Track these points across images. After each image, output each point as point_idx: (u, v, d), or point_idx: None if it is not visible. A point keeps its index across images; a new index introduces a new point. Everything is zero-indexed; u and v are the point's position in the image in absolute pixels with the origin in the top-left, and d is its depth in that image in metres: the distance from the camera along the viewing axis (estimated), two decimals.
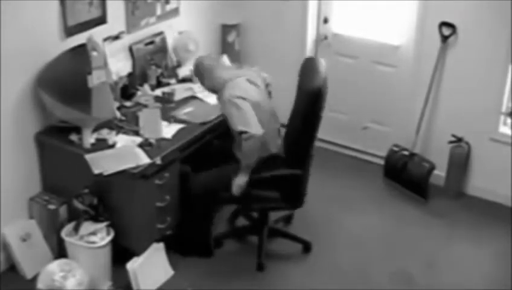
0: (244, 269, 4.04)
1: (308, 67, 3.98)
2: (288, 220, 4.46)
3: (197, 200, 3.93)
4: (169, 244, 4.01)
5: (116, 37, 4.29)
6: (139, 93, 4.41)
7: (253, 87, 3.92)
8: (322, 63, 3.92)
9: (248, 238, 4.32)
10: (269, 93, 4.17)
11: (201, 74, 4.01)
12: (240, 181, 3.79)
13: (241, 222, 4.45)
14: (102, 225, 3.75)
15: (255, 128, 3.69)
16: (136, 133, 3.98)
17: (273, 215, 4.29)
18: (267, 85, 4.13)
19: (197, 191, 3.91)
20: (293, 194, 3.96)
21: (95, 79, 3.66)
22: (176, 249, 4.07)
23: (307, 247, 4.23)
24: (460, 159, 4.76)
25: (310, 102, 3.76)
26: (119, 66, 4.31)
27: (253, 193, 3.90)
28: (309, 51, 5.23)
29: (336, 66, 5.26)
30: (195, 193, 3.93)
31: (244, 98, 3.77)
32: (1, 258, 3.89)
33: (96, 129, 3.91)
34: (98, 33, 4.02)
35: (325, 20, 5.19)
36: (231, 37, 5.28)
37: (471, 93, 4.64)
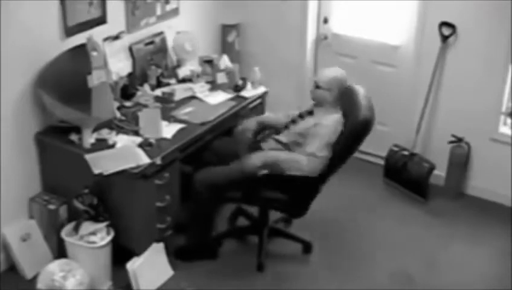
0: (244, 269, 4.04)
1: (352, 96, 3.93)
2: (288, 220, 4.46)
3: (201, 197, 3.88)
4: (174, 253, 4.03)
5: (116, 37, 4.29)
6: (139, 93, 4.41)
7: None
8: (363, 93, 3.94)
9: (248, 238, 4.32)
10: None
11: (334, 86, 3.89)
12: (256, 161, 3.74)
13: (241, 221, 4.45)
14: (102, 225, 3.75)
15: (319, 165, 3.74)
16: (136, 133, 3.98)
17: (274, 215, 4.29)
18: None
19: (202, 187, 3.85)
20: (300, 202, 3.94)
21: (95, 79, 3.66)
22: (180, 256, 4.04)
23: (307, 247, 4.23)
24: (460, 159, 4.76)
25: (355, 133, 3.77)
26: (119, 66, 4.31)
27: (261, 193, 3.90)
28: (309, 51, 5.23)
29: (336, 66, 5.25)
30: (199, 188, 3.86)
31: (331, 145, 3.79)
32: (1, 258, 3.89)
33: (96, 129, 3.91)
34: (98, 33, 4.02)
35: (325, 20, 5.19)
36: (231, 37, 5.28)
37: (471, 93, 4.64)
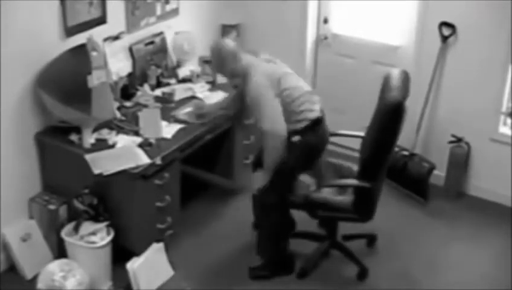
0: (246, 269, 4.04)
1: (392, 78, 3.79)
2: (371, 243, 4.31)
3: (271, 210, 3.80)
4: (249, 274, 3.96)
5: (116, 37, 4.30)
6: (139, 93, 4.41)
7: (273, 65, 3.84)
8: (408, 76, 3.78)
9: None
10: None
11: (223, 58, 3.76)
12: (260, 180, 3.73)
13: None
14: (102, 225, 3.75)
15: (281, 127, 3.61)
16: (136, 133, 3.99)
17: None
18: None
19: (270, 200, 3.77)
20: (363, 206, 3.81)
21: (95, 79, 3.66)
22: (256, 276, 3.96)
23: (362, 272, 4.01)
24: (460, 159, 4.76)
25: (387, 116, 3.62)
26: (119, 66, 4.31)
27: (321, 200, 3.84)
28: (309, 51, 5.23)
29: (336, 66, 5.27)
30: (267, 202, 3.78)
31: (269, 88, 3.64)
32: (1, 258, 3.89)
33: (96, 129, 3.92)
34: (98, 33, 4.02)
35: (325, 21, 5.19)
36: (231, 37, 5.27)
37: (471, 93, 4.64)
